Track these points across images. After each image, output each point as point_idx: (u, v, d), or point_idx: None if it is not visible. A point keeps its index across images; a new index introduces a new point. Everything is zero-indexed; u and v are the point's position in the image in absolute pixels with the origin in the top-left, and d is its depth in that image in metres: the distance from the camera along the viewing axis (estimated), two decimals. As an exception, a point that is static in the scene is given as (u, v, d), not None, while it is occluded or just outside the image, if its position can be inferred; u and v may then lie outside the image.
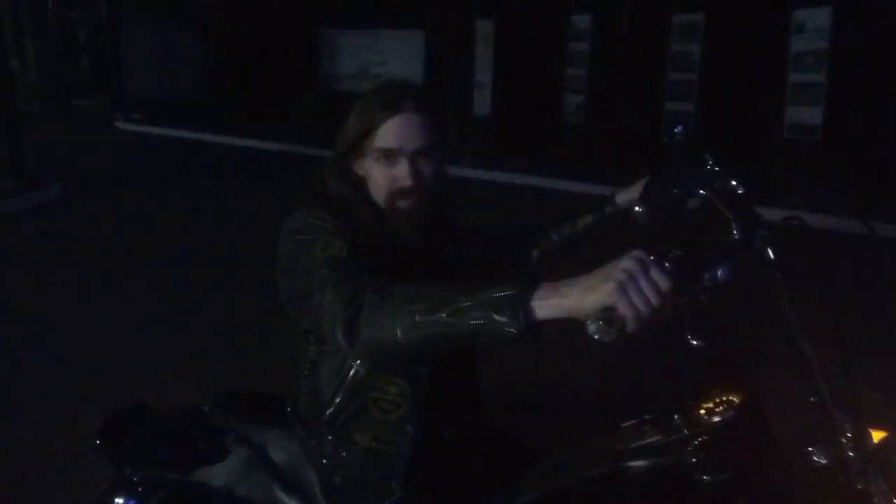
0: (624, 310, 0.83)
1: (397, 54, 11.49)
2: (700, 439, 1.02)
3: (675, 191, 1.09)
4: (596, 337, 0.82)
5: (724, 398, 1.07)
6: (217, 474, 1.30)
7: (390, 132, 1.21)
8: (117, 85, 15.01)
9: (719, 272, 0.95)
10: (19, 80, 13.30)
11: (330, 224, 1.17)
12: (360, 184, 1.27)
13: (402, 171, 1.22)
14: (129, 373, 3.33)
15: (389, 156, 1.22)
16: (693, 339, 0.90)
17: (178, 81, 14.63)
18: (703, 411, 1.06)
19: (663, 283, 0.85)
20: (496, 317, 0.90)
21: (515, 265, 1.49)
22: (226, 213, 6.81)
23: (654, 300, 0.84)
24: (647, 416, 1.11)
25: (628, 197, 1.40)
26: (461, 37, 9.94)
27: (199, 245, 5.63)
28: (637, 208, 1.08)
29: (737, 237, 1.01)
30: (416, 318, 0.96)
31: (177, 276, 4.86)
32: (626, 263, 0.86)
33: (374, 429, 1.21)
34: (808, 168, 7.36)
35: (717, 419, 1.03)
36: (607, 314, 0.83)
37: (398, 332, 0.98)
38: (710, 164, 1.18)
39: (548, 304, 0.88)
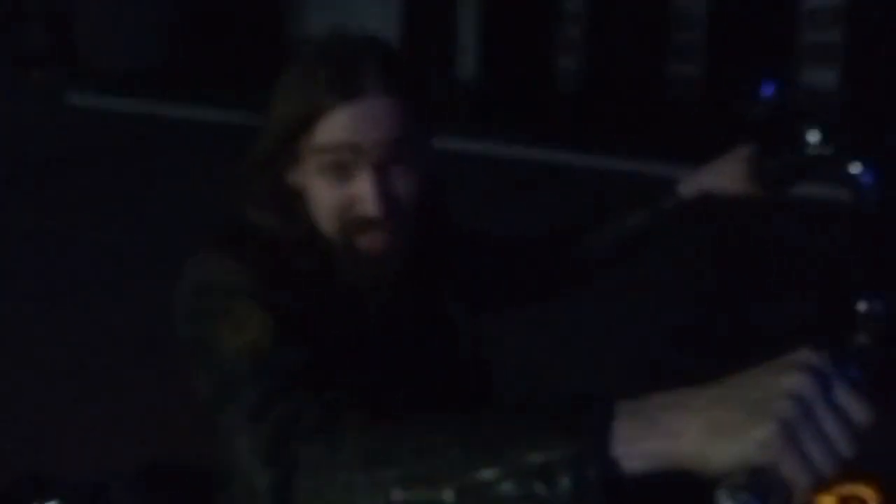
0: (792, 473, 0.46)
1: (373, 14, 10.83)
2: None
3: None
4: None
5: (851, 493, 0.80)
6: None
7: (341, 125, 0.80)
8: (70, 55, 14.13)
9: None
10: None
11: (246, 280, 0.80)
12: (296, 206, 0.87)
13: (362, 190, 0.82)
14: (31, 424, 2.72)
15: (341, 164, 0.81)
16: None
17: (135, 50, 13.94)
18: None
19: (859, 412, 0.49)
20: (546, 494, 0.51)
21: (540, 285, 1.17)
22: (185, 200, 6.13)
23: (843, 448, 0.47)
24: None
25: (695, 188, 1.07)
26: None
27: (153, 242, 5.06)
28: (866, 306, 0.66)
29: None
30: (396, 494, 0.57)
31: (119, 286, 4.27)
32: (793, 382, 0.48)
33: None
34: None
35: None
36: (759, 479, 0.46)
37: None
38: (815, 146, 0.87)
39: (640, 452, 0.50)
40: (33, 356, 3.33)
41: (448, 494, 0.55)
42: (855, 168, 0.84)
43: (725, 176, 1.05)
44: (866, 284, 0.69)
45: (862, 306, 0.66)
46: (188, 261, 0.85)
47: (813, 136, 0.89)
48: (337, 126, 0.80)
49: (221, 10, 13.11)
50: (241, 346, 0.74)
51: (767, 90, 0.95)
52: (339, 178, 0.82)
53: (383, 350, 0.86)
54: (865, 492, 0.79)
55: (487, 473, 0.54)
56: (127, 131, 9.95)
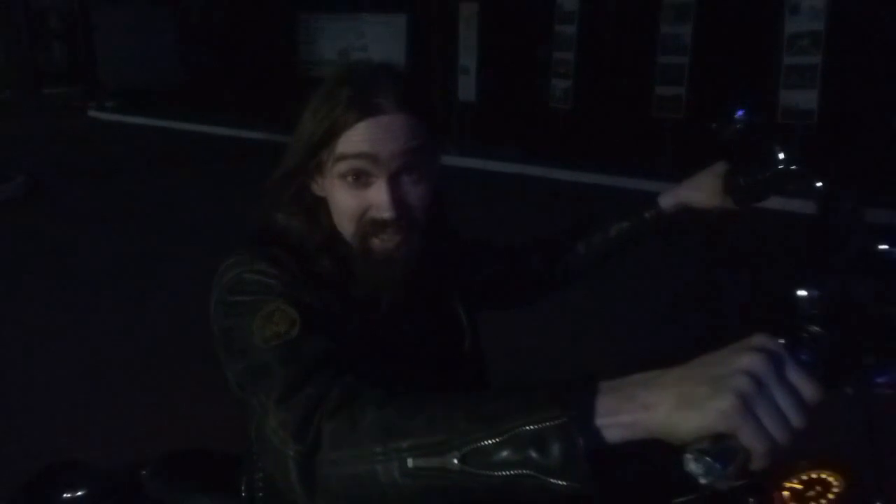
0: (749, 440, 0.51)
1: (379, 38, 11.14)
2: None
3: (849, 251, 0.77)
4: (702, 481, 0.51)
5: (818, 477, 0.79)
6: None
7: (361, 138, 0.85)
8: (90, 72, 14.50)
9: None
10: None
11: (275, 279, 0.84)
12: (319, 212, 0.92)
13: (378, 196, 0.86)
14: (68, 415, 2.84)
15: (359, 172, 0.86)
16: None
17: (154, 68, 14.20)
18: (786, 494, 0.79)
19: (808, 389, 0.54)
20: (540, 459, 0.56)
21: (534, 286, 1.23)
22: (203, 210, 6.45)
23: (794, 420, 0.52)
24: (708, 493, 0.81)
25: (674, 200, 1.14)
26: (445, 20, 9.63)
27: (174, 251, 5.22)
28: (803, 291, 0.69)
29: None
30: (409, 462, 0.63)
31: (148, 285, 4.40)
32: (749, 361, 0.53)
33: None
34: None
35: (807, 511, 0.77)
36: (720, 445, 0.51)
37: (381, 481, 0.64)
38: (782, 163, 0.94)
39: (618, 423, 0.55)
40: (59, 354, 3.39)
41: (454, 460, 0.60)
42: (818, 183, 0.88)
43: (702, 189, 1.10)
44: (807, 276, 0.72)
45: (801, 292, 0.69)
46: (224, 261, 0.89)
47: (781, 154, 0.95)
48: (356, 139, 0.85)
49: (237, 35, 13.30)
50: (270, 337, 0.78)
51: (739, 112, 0.99)
52: (358, 185, 0.87)
53: (395, 341, 0.90)
54: (830, 477, 0.80)
55: (488, 441, 0.59)
56: (144, 143, 10.20)
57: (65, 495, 1.13)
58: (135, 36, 14.19)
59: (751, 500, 0.80)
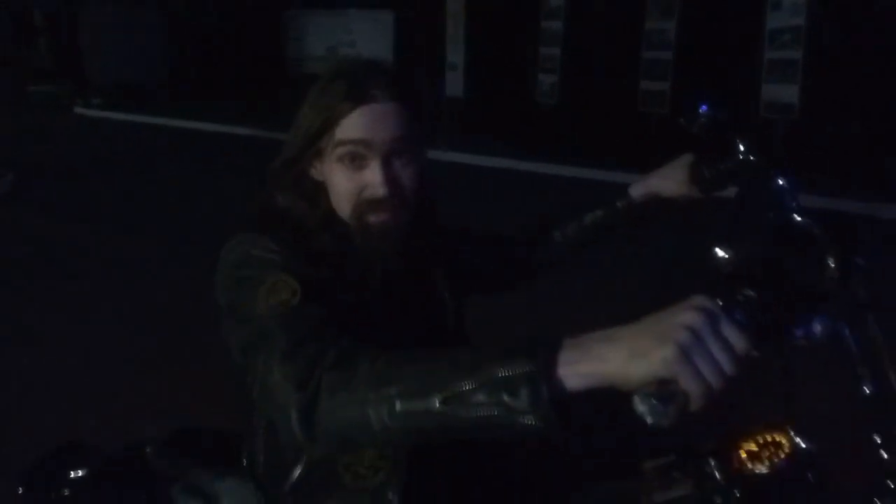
0: (687, 384, 0.60)
1: (366, 35, 11.18)
2: (740, 493, 0.83)
3: (770, 223, 0.85)
4: (648, 420, 0.59)
5: (771, 439, 0.86)
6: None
7: (357, 124, 0.94)
8: (77, 69, 14.43)
9: (817, 326, 0.71)
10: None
11: (278, 255, 0.92)
12: (318, 195, 1.00)
13: (372, 176, 0.95)
14: (65, 402, 2.88)
15: (355, 156, 0.95)
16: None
17: (141, 65, 14.16)
18: (743, 455, 0.86)
19: (739, 342, 0.62)
20: (510, 402, 0.65)
21: (515, 272, 1.30)
22: (191, 206, 6.45)
23: (726, 367, 0.61)
24: (673, 457, 0.91)
25: (644, 190, 1.20)
26: (432, 16, 9.68)
27: (162, 246, 5.21)
28: (720, 251, 0.78)
29: (835, 276, 0.76)
30: (397, 405, 0.71)
31: (136, 281, 4.42)
32: (688, 317, 0.62)
33: (348, 499, 0.97)
34: (786, 148, 7.28)
35: (761, 469, 0.84)
36: (663, 389, 0.60)
37: (372, 423, 0.72)
38: (742, 154, 1.00)
39: (578, 372, 0.64)
40: (47, 350, 3.46)
41: (436, 402, 0.68)
42: (775, 172, 0.92)
43: (669, 179, 1.16)
44: (725, 239, 0.79)
45: (719, 252, 0.78)
46: (229, 239, 0.96)
47: (741, 147, 1.01)
48: (352, 126, 0.94)
49: (224, 32, 13.29)
50: (274, 306, 0.85)
51: (703, 107, 1.04)
52: (354, 167, 0.95)
53: (386, 313, 0.98)
54: (781, 438, 0.86)
55: (466, 385, 0.67)
56: (131, 140, 10.19)
57: (70, 475, 1.15)
58: (121, 32, 14.11)
59: (712, 460, 0.88)
